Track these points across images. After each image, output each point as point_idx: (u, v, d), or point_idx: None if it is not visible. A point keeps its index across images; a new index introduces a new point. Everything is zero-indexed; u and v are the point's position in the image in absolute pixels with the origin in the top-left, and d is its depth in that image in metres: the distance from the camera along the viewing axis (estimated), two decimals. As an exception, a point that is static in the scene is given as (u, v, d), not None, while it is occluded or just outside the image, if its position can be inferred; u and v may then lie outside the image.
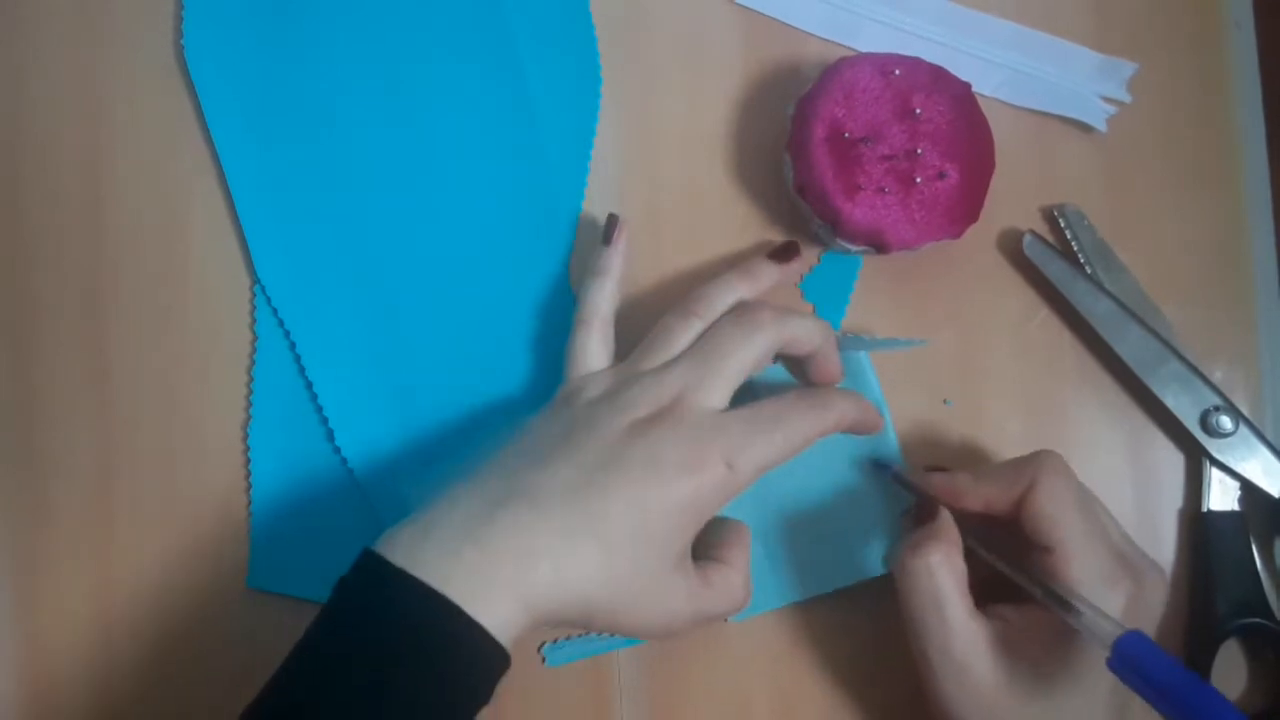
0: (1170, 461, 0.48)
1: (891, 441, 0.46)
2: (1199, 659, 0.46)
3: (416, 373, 0.47)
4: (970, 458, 0.47)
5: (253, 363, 0.47)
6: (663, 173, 0.48)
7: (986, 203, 0.45)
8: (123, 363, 0.47)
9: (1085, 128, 0.48)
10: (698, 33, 0.49)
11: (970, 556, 0.42)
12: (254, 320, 0.47)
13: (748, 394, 0.42)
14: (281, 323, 0.47)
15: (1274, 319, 0.49)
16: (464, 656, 0.35)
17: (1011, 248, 0.48)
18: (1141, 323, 0.46)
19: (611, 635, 0.46)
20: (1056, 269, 0.47)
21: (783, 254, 0.45)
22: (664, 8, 0.49)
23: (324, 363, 0.46)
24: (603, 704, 0.47)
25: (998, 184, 0.45)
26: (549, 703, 0.46)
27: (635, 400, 0.40)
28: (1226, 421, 0.46)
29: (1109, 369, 0.48)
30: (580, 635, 0.46)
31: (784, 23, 0.49)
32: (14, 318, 0.47)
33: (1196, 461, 0.47)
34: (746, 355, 0.41)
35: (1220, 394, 0.46)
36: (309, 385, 0.46)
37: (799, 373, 0.45)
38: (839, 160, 0.44)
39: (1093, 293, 0.47)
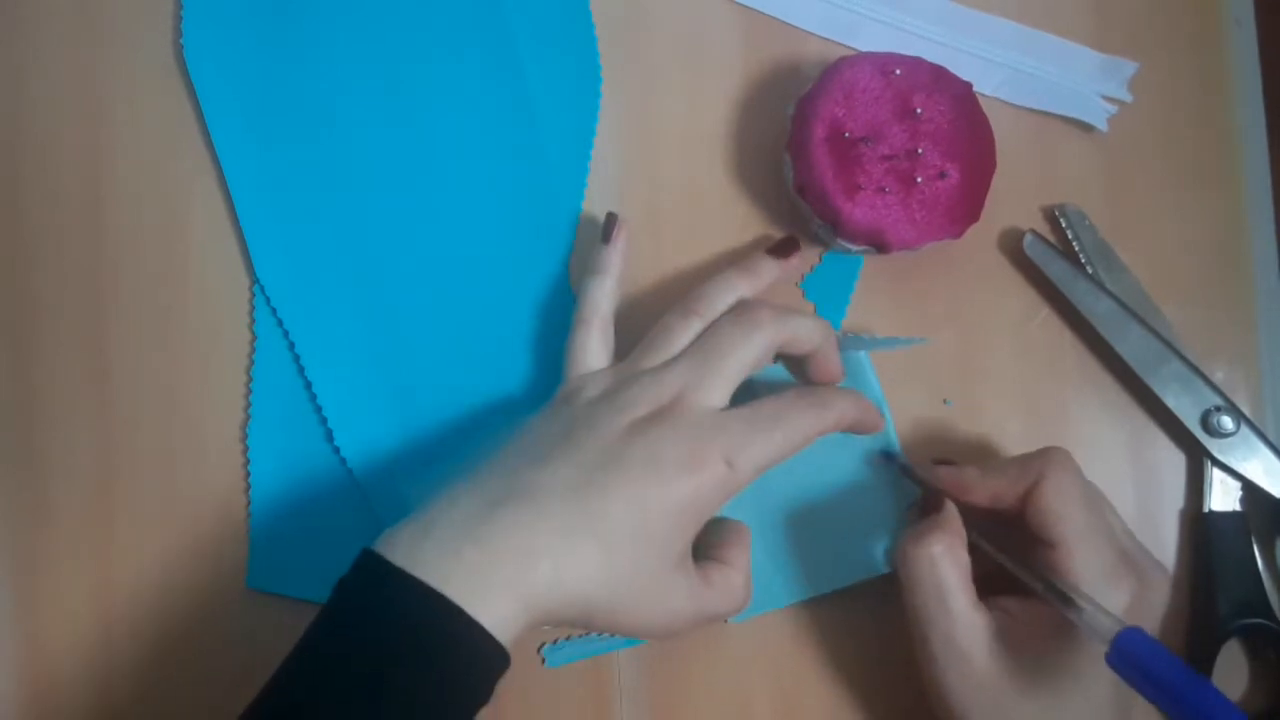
0: (1171, 462, 0.48)
1: (892, 441, 0.46)
2: (1200, 659, 0.46)
3: (416, 372, 0.47)
4: (971, 457, 0.47)
5: (252, 363, 0.47)
6: (663, 173, 0.48)
7: (987, 202, 0.45)
8: (123, 363, 0.47)
9: (1086, 127, 0.48)
10: (698, 33, 0.49)
11: (974, 550, 0.42)
12: (254, 320, 0.47)
13: (748, 393, 0.41)
14: (281, 323, 0.47)
15: (1274, 319, 0.49)
16: (463, 656, 0.35)
17: (1012, 247, 0.48)
18: (1142, 322, 0.46)
19: (611, 635, 0.46)
20: (1057, 269, 0.47)
21: (782, 249, 0.45)
22: (664, 8, 0.49)
23: (323, 363, 0.46)
24: (603, 704, 0.47)
25: (998, 184, 0.45)
26: (549, 703, 0.46)
27: (635, 399, 0.40)
28: (1227, 421, 0.46)
29: (1110, 369, 0.48)
30: (580, 635, 0.46)
31: (784, 22, 0.49)
32: (14, 318, 0.47)
33: (1198, 462, 0.47)
34: (746, 354, 0.41)
35: (1221, 394, 0.46)
36: (308, 385, 0.46)
37: (799, 372, 0.45)
38: (839, 160, 0.44)
39: (1093, 292, 0.46)
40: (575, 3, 0.48)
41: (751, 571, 0.42)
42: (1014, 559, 0.41)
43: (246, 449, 0.47)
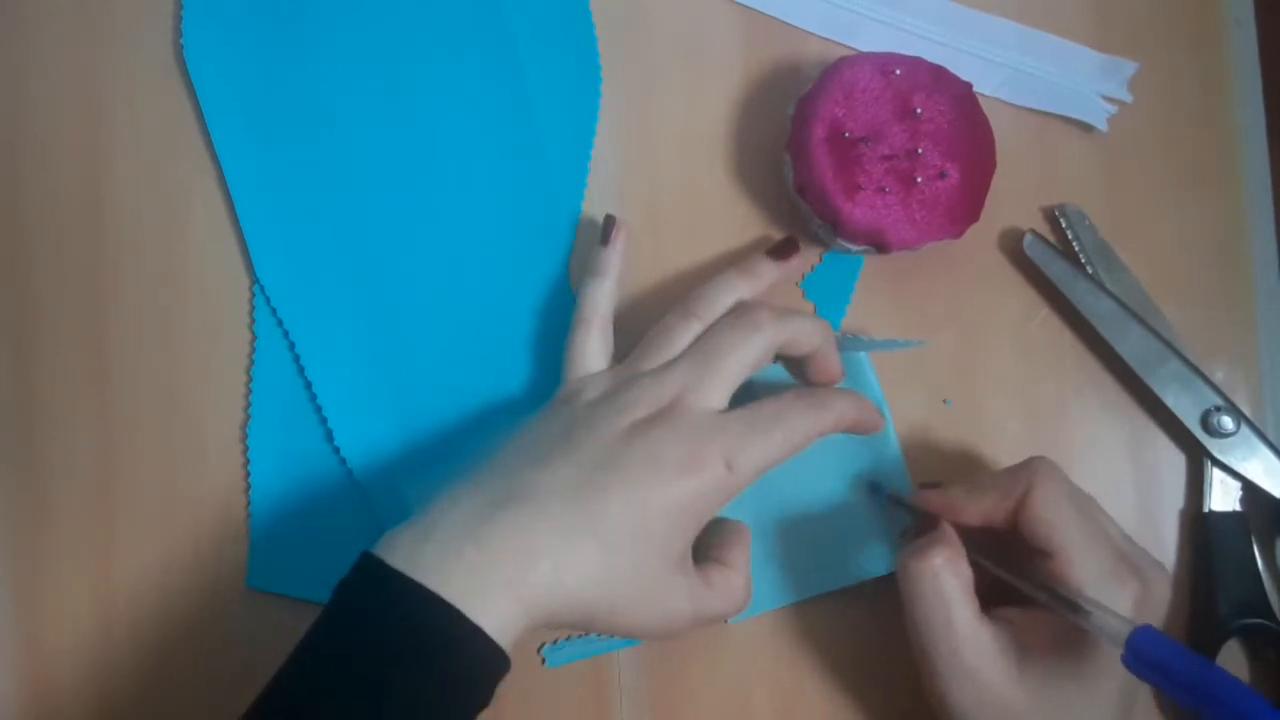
0: (1171, 462, 0.48)
1: (892, 441, 0.46)
2: (1200, 659, 0.46)
3: (416, 373, 0.47)
4: (970, 457, 0.47)
5: (252, 363, 0.47)
6: (663, 173, 0.48)
7: (987, 202, 0.45)
8: (123, 363, 0.47)
9: (1086, 127, 0.48)
10: (698, 33, 0.49)
11: (973, 567, 0.41)
12: (254, 320, 0.47)
13: (747, 394, 0.42)
14: (281, 323, 0.47)
15: (1274, 319, 0.48)
16: (464, 659, 0.35)
17: (1012, 247, 0.48)
18: (1142, 322, 0.46)
19: (611, 636, 0.46)
20: (1057, 269, 0.47)
21: (782, 250, 0.45)
22: (664, 8, 0.49)
23: (323, 363, 0.46)
24: (603, 704, 0.47)
25: (998, 184, 0.45)
26: (549, 703, 0.46)
27: (635, 401, 0.40)
28: (1228, 421, 0.46)
29: (1110, 369, 0.48)
30: (580, 636, 0.46)
31: (784, 22, 0.49)
32: (14, 318, 0.47)
33: (1198, 462, 0.47)
34: (746, 355, 0.41)
35: (1221, 394, 0.46)
36: (308, 385, 0.46)
37: (799, 373, 0.45)
38: (839, 160, 0.44)
39: (1093, 292, 0.46)
40: (575, 3, 0.48)
41: (751, 572, 0.42)
42: (1014, 572, 0.41)
43: (246, 449, 0.47)
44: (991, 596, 0.41)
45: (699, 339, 0.42)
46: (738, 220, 0.48)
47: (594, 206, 0.48)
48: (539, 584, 0.36)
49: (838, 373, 0.44)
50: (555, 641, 0.46)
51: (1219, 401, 0.46)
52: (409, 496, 0.45)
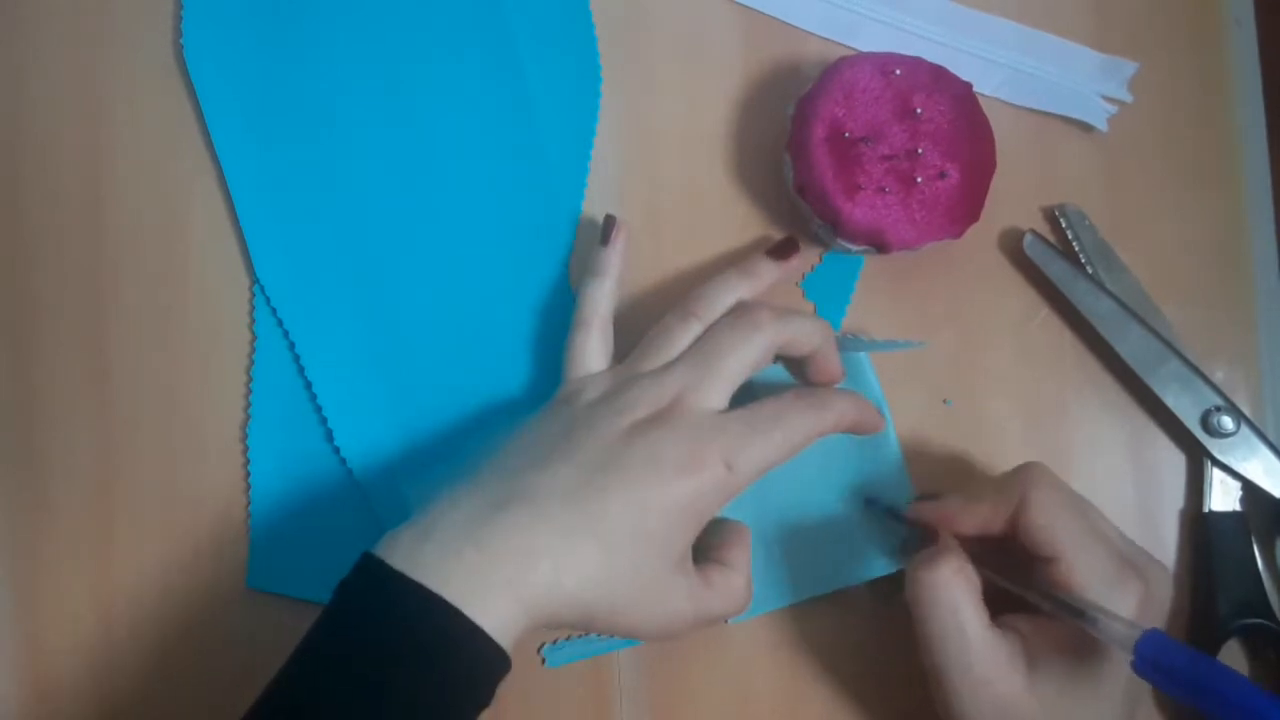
0: (1171, 462, 0.48)
1: (892, 441, 0.46)
2: (1200, 659, 0.46)
3: (416, 373, 0.47)
4: (970, 457, 0.47)
5: (252, 363, 0.47)
6: (663, 173, 0.48)
7: (987, 202, 0.45)
8: (123, 363, 0.47)
9: (1086, 127, 0.48)
10: (698, 33, 0.49)
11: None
12: (254, 320, 0.47)
13: (747, 394, 0.42)
14: (281, 323, 0.47)
15: (1274, 319, 0.48)
16: (464, 660, 0.35)
17: (1012, 247, 0.48)
18: (1142, 322, 0.46)
19: (611, 636, 0.46)
20: (1057, 269, 0.47)
21: (781, 250, 0.45)
22: (664, 8, 0.49)
23: (323, 363, 0.46)
24: (603, 704, 0.47)
25: (998, 184, 0.45)
26: (549, 703, 0.46)
27: (635, 401, 0.40)
28: (1228, 421, 0.46)
29: (1110, 369, 0.48)
30: (580, 636, 0.46)
31: (784, 22, 0.49)
32: (14, 318, 0.47)
33: (1198, 462, 0.47)
34: (746, 356, 0.41)
35: (1221, 394, 0.46)
36: (308, 385, 0.46)
37: (799, 373, 0.45)
38: (839, 160, 0.44)
39: (1093, 292, 0.46)
40: (575, 3, 0.48)
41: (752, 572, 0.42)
42: (1017, 580, 0.40)
43: (246, 449, 0.47)
44: (995, 605, 0.41)
45: (699, 339, 0.42)
46: (738, 220, 0.48)
47: (594, 206, 0.48)
48: (539, 584, 0.36)
49: (838, 373, 0.44)
50: (555, 641, 0.46)
51: (1219, 401, 0.46)
52: (409, 497, 0.45)
